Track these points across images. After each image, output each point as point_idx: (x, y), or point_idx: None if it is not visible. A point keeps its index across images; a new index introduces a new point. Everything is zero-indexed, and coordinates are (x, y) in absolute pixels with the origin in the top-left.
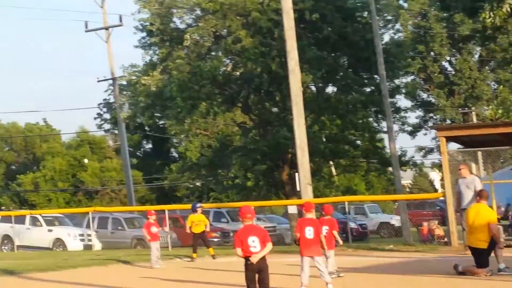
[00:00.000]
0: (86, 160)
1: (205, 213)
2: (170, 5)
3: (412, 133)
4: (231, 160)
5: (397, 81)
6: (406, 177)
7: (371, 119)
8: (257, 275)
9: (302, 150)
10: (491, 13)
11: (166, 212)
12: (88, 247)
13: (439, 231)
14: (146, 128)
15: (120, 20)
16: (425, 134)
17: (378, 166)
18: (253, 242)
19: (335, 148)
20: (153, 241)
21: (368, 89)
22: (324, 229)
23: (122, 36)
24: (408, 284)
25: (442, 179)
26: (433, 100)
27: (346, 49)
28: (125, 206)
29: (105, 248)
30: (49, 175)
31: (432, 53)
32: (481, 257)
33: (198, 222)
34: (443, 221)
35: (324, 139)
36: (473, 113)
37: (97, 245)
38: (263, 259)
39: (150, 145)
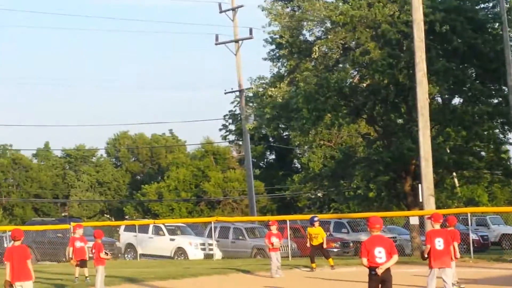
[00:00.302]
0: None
1: (326, 223)
2: (301, 18)
3: None
4: (353, 171)
5: None
6: None
7: (497, 130)
8: (380, 286)
9: (426, 161)
10: None
11: (288, 222)
12: (209, 256)
13: None
14: (270, 139)
15: (250, 33)
16: None
17: (502, 178)
18: (380, 253)
19: (459, 159)
20: (273, 251)
21: (495, 100)
22: None
23: (251, 48)
24: None
25: None
26: None
27: (475, 60)
28: (247, 216)
29: (226, 257)
30: (173, 185)
31: None
32: None
33: (315, 235)
34: None
35: (448, 150)
36: None
37: (217, 254)
38: (387, 270)
39: (273, 156)
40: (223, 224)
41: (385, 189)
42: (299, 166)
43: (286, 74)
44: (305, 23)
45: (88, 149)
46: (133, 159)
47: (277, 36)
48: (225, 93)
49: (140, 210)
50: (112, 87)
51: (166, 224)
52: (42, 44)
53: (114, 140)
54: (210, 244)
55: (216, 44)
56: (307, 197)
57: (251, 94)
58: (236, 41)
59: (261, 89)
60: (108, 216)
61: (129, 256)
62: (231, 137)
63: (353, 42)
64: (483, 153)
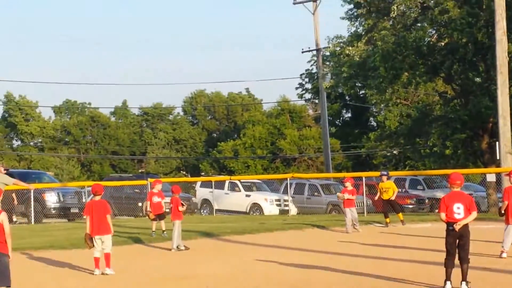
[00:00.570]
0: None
1: (401, 180)
2: None
3: None
4: (430, 129)
5: None
6: None
7: None
8: (457, 241)
9: (504, 119)
10: None
11: (363, 179)
12: (284, 212)
13: None
14: (347, 97)
15: None
16: None
17: None
18: (458, 209)
19: None
20: (348, 207)
21: None
22: None
23: (329, 7)
24: None
25: None
26: None
27: None
28: (322, 173)
29: (301, 213)
30: (249, 143)
31: None
32: None
33: (386, 189)
34: None
35: None
36: None
37: (293, 210)
38: (465, 226)
39: (349, 114)
40: (298, 180)
41: (461, 147)
42: (375, 124)
43: (363, 33)
44: None
45: (165, 107)
46: (209, 117)
47: None
48: (302, 52)
49: (215, 167)
50: (189, 45)
51: (242, 180)
52: (121, 4)
53: (191, 98)
54: (286, 200)
55: (294, 3)
56: (383, 154)
57: (328, 53)
58: (314, 0)
59: (338, 48)
60: (184, 173)
61: (205, 211)
62: (308, 96)
63: (432, 1)
64: None
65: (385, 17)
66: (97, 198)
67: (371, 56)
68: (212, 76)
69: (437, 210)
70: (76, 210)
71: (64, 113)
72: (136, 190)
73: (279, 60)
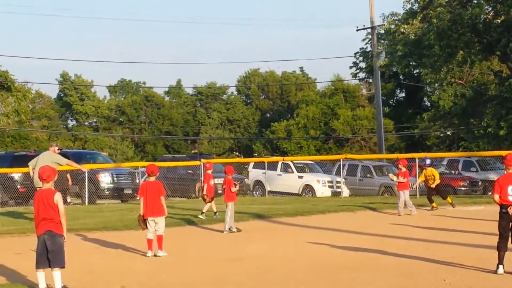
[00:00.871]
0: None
1: (455, 162)
2: None
3: None
4: (484, 109)
5: None
6: None
7: None
8: (511, 224)
9: None
10: None
11: (416, 160)
12: (336, 194)
13: None
14: (401, 76)
15: None
16: None
17: None
18: None
19: None
20: (401, 189)
21: None
22: None
23: None
24: None
25: None
26: None
27: None
28: (375, 154)
29: (353, 195)
30: (302, 123)
31: None
32: None
33: (429, 176)
34: None
35: None
36: None
37: (345, 192)
38: None
39: (403, 94)
40: (351, 161)
41: None
42: (429, 104)
43: (419, 10)
44: None
45: (219, 87)
46: (263, 96)
47: None
48: (357, 30)
49: (268, 148)
50: (244, 24)
51: (294, 162)
52: None
53: (244, 78)
54: (338, 182)
55: None
56: (436, 135)
57: (382, 31)
58: None
59: (393, 26)
60: (237, 153)
61: (257, 193)
62: (361, 75)
63: None
64: None
65: None
66: (152, 179)
67: (426, 34)
68: (266, 54)
69: (490, 193)
70: (130, 191)
71: (118, 92)
72: (189, 171)
73: (334, 39)
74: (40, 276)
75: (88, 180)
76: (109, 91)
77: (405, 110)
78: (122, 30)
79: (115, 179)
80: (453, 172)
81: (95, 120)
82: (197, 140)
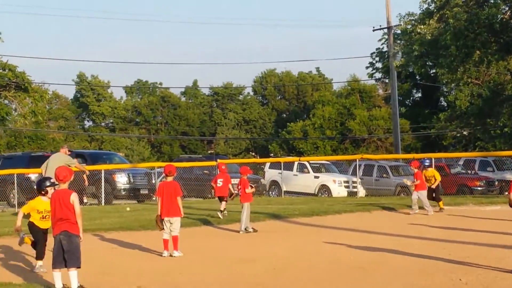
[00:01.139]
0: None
1: (471, 162)
2: None
3: None
4: (501, 108)
5: None
6: None
7: None
8: None
9: None
10: None
11: (433, 160)
12: (352, 194)
13: None
14: (417, 77)
15: None
16: None
17: None
18: None
19: None
20: (418, 190)
21: None
22: None
23: None
24: None
25: None
26: None
27: None
28: (391, 154)
29: (369, 195)
30: (318, 123)
31: None
32: None
33: (429, 177)
34: None
35: None
36: None
37: (361, 192)
38: None
39: (419, 94)
40: (367, 162)
41: None
42: (445, 104)
43: (435, 10)
44: None
45: (235, 87)
46: (279, 97)
47: None
48: (373, 30)
49: (285, 148)
50: (260, 25)
51: (310, 162)
52: None
53: (261, 78)
54: (354, 182)
55: None
56: (453, 135)
57: (399, 31)
58: None
59: (409, 26)
60: (253, 153)
61: (273, 193)
62: (378, 75)
63: None
64: None
65: None
66: (169, 179)
67: (443, 34)
68: (282, 55)
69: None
70: (146, 192)
71: (135, 93)
72: (206, 171)
73: (350, 39)
74: (57, 276)
75: (104, 181)
76: (125, 91)
77: (422, 110)
78: (138, 30)
79: (132, 180)
80: (469, 172)
81: (111, 120)
82: (213, 140)
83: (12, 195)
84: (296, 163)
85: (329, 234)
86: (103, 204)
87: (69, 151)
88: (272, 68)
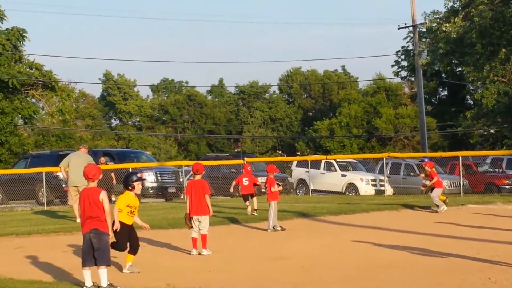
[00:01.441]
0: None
1: (498, 160)
2: None
3: None
4: None
5: None
6: None
7: None
8: None
9: None
10: None
11: (460, 158)
12: (379, 192)
13: None
14: (443, 75)
15: None
16: None
17: None
18: None
19: None
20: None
21: None
22: None
23: None
24: None
25: None
26: None
27: None
28: (418, 152)
29: (396, 193)
30: (345, 122)
31: None
32: None
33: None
34: None
35: None
36: None
37: (388, 190)
38: None
39: (445, 92)
40: (394, 160)
41: None
42: (471, 102)
43: (460, 8)
44: None
45: (261, 86)
46: (305, 95)
47: None
48: (399, 29)
49: (311, 146)
50: (285, 23)
51: (337, 160)
52: None
53: (286, 77)
54: (381, 180)
55: None
56: (480, 133)
57: (424, 30)
58: None
59: (435, 24)
60: (280, 152)
61: (300, 191)
62: (403, 73)
63: None
64: None
65: None
66: (198, 177)
67: (468, 32)
68: (308, 54)
69: None
70: (173, 190)
71: (161, 91)
72: (233, 170)
73: (375, 37)
74: (86, 274)
75: None
76: (152, 90)
77: (448, 109)
78: (164, 29)
79: (159, 178)
80: (497, 170)
81: (138, 119)
82: (240, 139)
83: (41, 193)
84: (323, 162)
85: (357, 232)
86: None
87: (88, 150)
88: (298, 66)
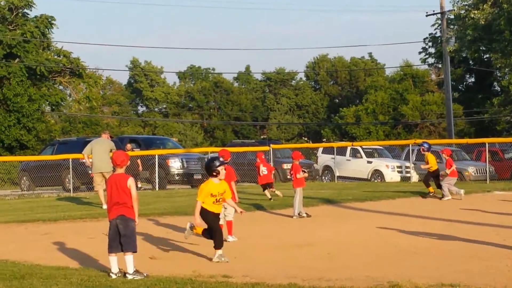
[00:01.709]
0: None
1: None
2: None
3: None
4: None
5: None
6: None
7: None
8: None
9: None
10: None
11: (486, 145)
12: (405, 179)
13: None
14: (470, 62)
15: None
16: None
17: None
18: None
19: None
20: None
21: None
22: None
23: None
24: None
25: None
26: None
27: None
28: (444, 139)
29: (422, 180)
30: (371, 108)
31: None
32: None
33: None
34: None
35: None
36: None
37: (414, 177)
38: None
39: (472, 79)
40: (419, 146)
41: None
42: (498, 89)
43: None
44: None
45: (287, 72)
46: (331, 82)
47: None
48: (427, 16)
49: (337, 133)
50: (312, 10)
51: (363, 147)
52: None
53: (313, 63)
54: (407, 167)
55: None
56: (506, 120)
57: (452, 16)
58: None
59: (463, 11)
60: (306, 138)
61: (326, 178)
62: (431, 60)
63: None
64: None
65: None
66: None
67: (496, 19)
68: (335, 40)
69: None
70: (199, 176)
71: (188, 78)
72: None
73: (402, 24)
74: (113, 261)
75: (158, 166)
76: (178, 77)
77: (475, 95)
78: (191, 16)
79: (185, 165)
80: None
81: (164, 106)
82: (266, 125)
83: (67, 180)
84: (349, 148)
85: (382, 219)
86: (157, 189)
87: (110, 136)
88: (325, 53)
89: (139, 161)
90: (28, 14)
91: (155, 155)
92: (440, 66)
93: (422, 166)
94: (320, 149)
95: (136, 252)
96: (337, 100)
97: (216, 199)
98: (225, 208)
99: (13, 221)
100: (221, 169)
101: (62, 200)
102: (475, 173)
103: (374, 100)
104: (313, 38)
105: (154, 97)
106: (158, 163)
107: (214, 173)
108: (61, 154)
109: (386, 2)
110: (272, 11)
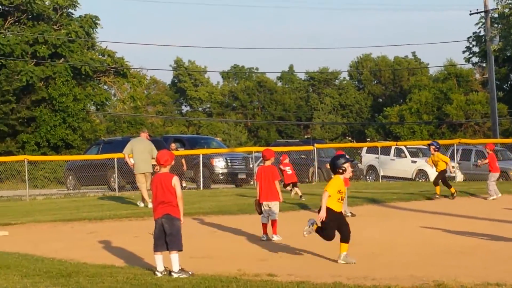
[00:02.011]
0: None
1: None
2: None
3: None
4: None
5: None
6: None
7: None
8: None
9: None
10: None
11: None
12: (450, 179)
13: None
14: None
15: None
16: None
17: None
18: None
19: None
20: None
21: None
22: None
23: None
24: None
25: None
26: None
27: None
28: (489, 139)
29: (467, 180)
30: (415, 108)
31: None
32: None
33: (436, 161)
34: None
35: None
36: None
37: (459, 176)
38: None
39: None
40: (465, 146)
41: None
42: None
43: None
44: None
45: (331, 72)
46: (375, 81)
47: None
48: (470, 14)
49: (381, 133)
50: (355, 9)
51: (407, 146)
52: None
53: (357, 63)
54: (452, 167)
55: None
56: None
57: (496, 15)
58: None
59: (507, 10)
60: (349, 138)
61: (370, 177)
62: (475, 59)
63: None
64: None
65: None
66: (267, 163)
67: None
68: (378, 40)
69: None
70: (244, 176)
71: (231, 78)
72: (303, 156)
73: (446, 23)
74: (158, 259)
75: (202, 165)
76: (222, 77)
77: None
78: (234, 15)
79: (229, 164)
80: None
81: (208, 105)
82: (310, 125)
83: (112, 179)
84: (393, 148)
85: (427, 218)
86: (201, 188)
87: (149, 135)
88: (368, 52)
89: (183, 160)
90: (72, 14)
91: (200, 154)
92: (484, 65)
93: (479, 162)
94: (364, 149)
95: (181, 250)
96: (380, 100)
97: (341, 197)
98: (270, 207)
99: (60, 220)
100: (347, 166)
101: (107, 199)
102: None
103: (418, 100)
104: (356, 37)
105: (198, 96)
106: (203, 162)
107: (340, 170)
108: (106, 153)
109: (429, 1)
110: (316, 10)
